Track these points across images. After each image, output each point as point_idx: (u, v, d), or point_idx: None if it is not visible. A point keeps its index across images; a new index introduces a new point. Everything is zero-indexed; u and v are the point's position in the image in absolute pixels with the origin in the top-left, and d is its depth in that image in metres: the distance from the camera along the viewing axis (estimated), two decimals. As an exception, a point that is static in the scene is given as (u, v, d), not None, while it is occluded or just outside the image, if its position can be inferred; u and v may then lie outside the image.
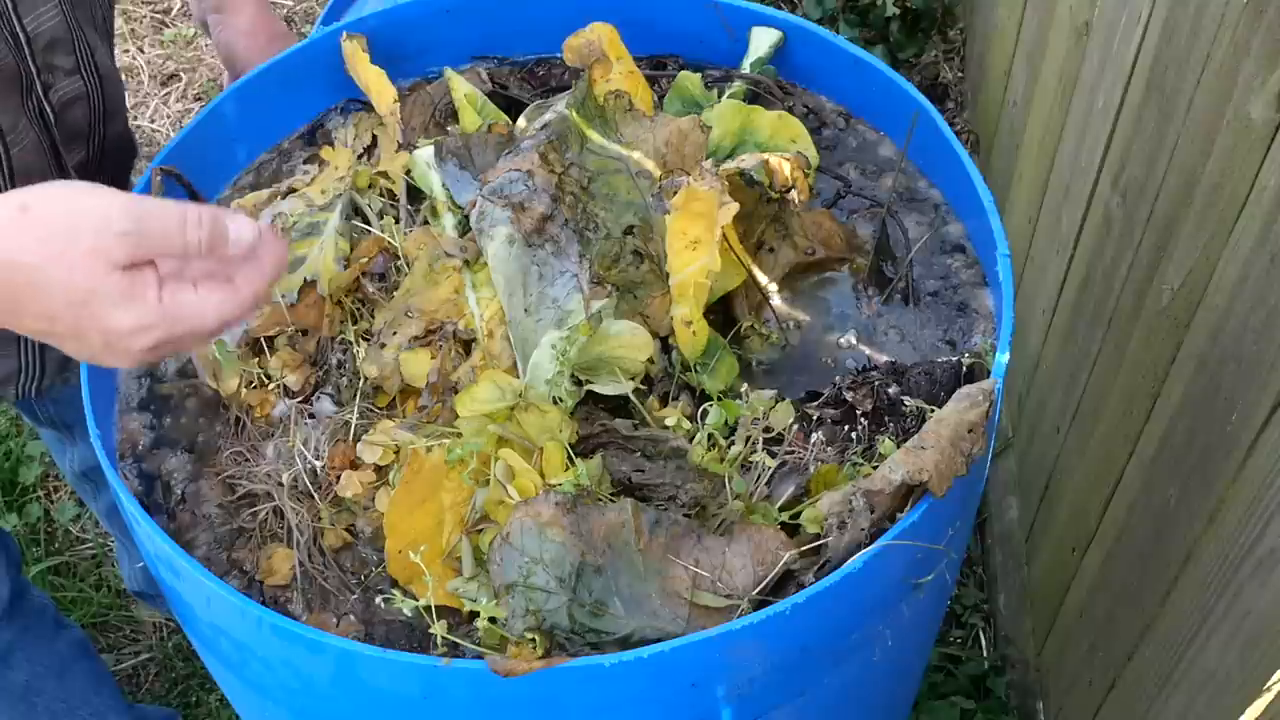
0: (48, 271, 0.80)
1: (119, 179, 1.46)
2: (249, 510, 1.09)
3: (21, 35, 1.18)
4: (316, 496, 1.08)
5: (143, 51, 3.25)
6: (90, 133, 1.32)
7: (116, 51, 3.19)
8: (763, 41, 1.35)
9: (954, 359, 1.04)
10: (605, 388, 1.03)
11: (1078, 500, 1.65)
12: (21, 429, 2.46)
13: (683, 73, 1.31)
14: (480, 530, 0.99)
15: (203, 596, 0.99)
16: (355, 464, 1.09)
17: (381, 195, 1.25)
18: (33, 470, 2.41)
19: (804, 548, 0.94)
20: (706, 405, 1.04)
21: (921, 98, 1.24)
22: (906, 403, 1.02)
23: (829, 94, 1.37)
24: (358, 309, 1.18)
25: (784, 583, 0.95)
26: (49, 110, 1.25)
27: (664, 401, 1.08)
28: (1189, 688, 1.26)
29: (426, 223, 1.22)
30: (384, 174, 1.26)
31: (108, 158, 1.37)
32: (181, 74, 3.19)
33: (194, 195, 1.28)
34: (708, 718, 0.97)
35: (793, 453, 1.02)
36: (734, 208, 1.03)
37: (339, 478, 1.08)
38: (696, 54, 1.40)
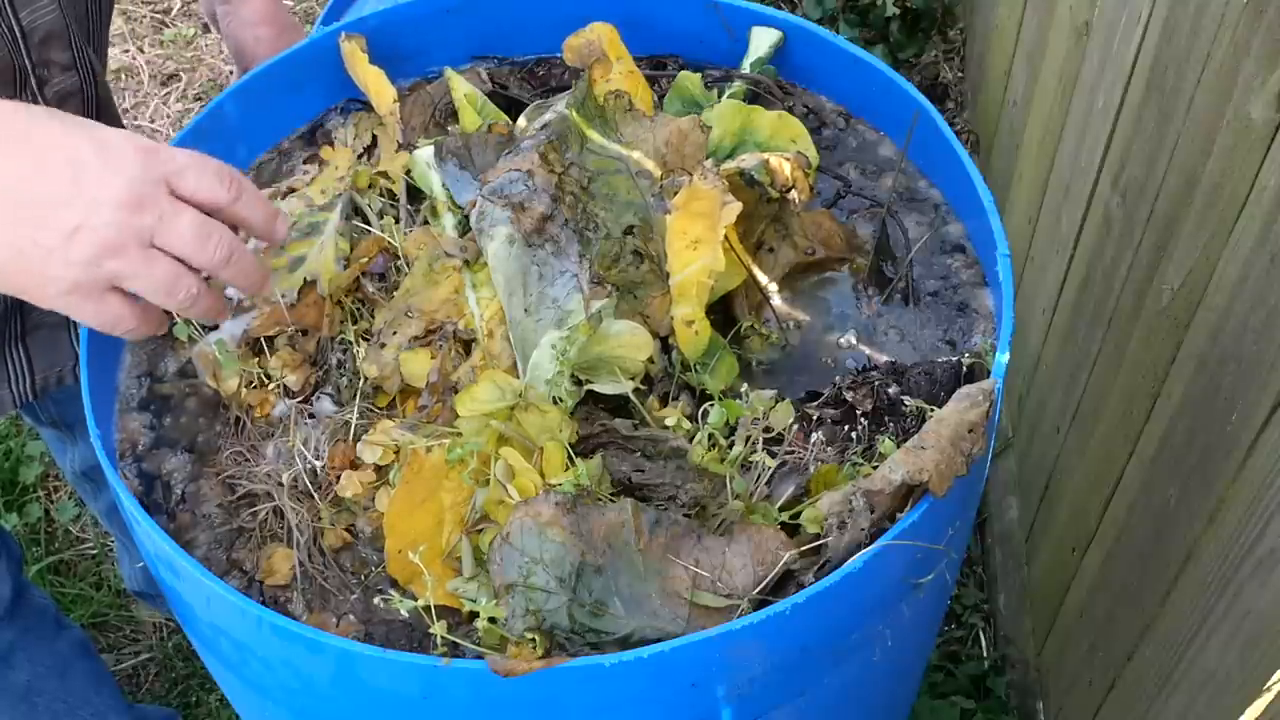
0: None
1: None
2: (249, 510, 1.09)
3: (17, 29, 1.18)
4: (316, 496, 1.08)
5: (143, 51, 3.25)
6: None
7: (116, 51, 3.20)
8: (763, 41, 1.35)
9: (954, 359, 1.04)
10: (605, 388, 1.03)
11: (1078, 500, 1.65)
12: (21, 429, 2.46)
13: (683, 73, 1.31)
14: (480, 530, 0.99)
15: (203, 596, 0.99)
16: (355, 464, 1.09)
17: (381, 195, 1.25)
18: (33, 470, 2.41)
19: (804, 548, 0.94)
20: (706, 405, 1.04)
21: (921, 98, 1.24)
22: (906, 403, 1.02)
23: (829, 94, 1.37)
24: (358, 309, 1.18)
25: (784, 583, 0.95)
26: (43, 104, 1.25)
27: (664, 401, 1.08)
28: (1189, 688, 1.26)
29: (426, 223, 1.22)
30: (384, 174, 1.26)
31: None
32: (181, 74, 3.19)
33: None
34: (708, 718, 0.98)
35: (793, 453, 1.02)
36: (737, 207, 1.03)
37: (339, 478, 1.08)
38: (696, 54, 1.40)
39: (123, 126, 1.46)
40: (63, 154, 0.80)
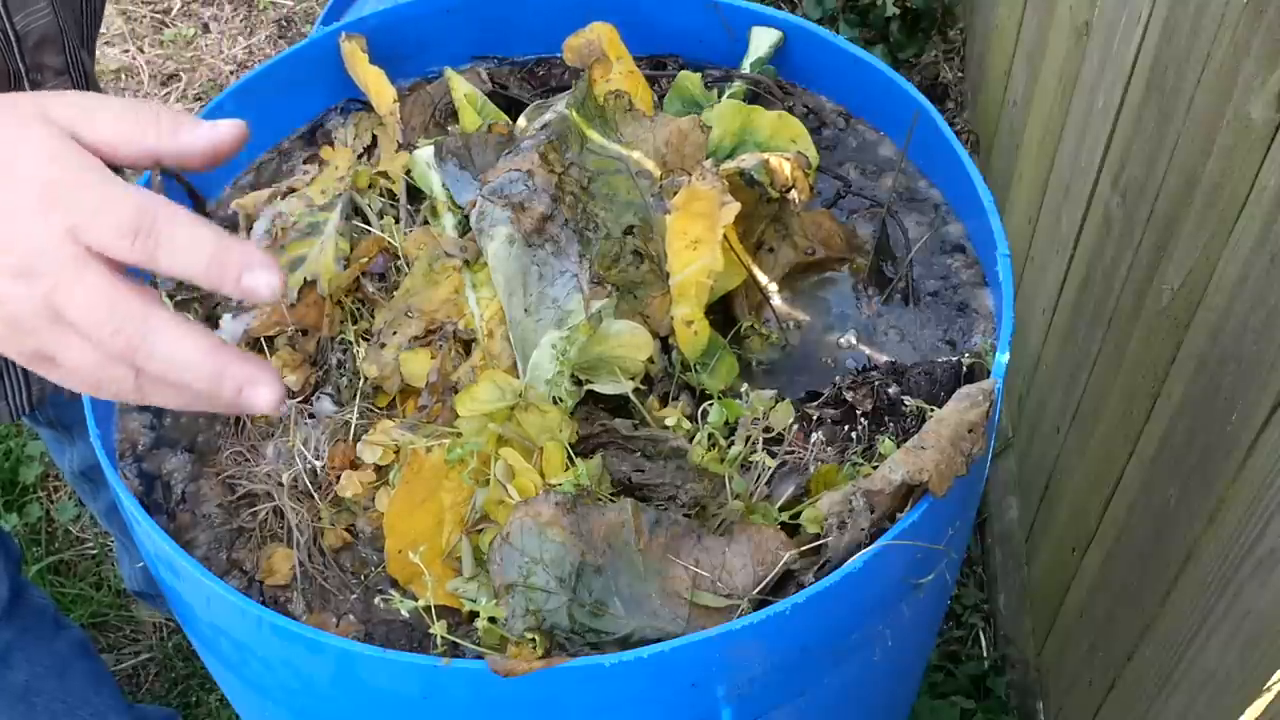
0: None
1: None
2: (249, 510, 1.09)
3: (11, 33, 1.18)
4: (316, 496, 1.08)
5: (143, 51, 3.25)
6: None
7: (116, 51, 3.20)
8: (763, 41, 1.35)
9: (954, 359, 1.04)
10: (605, 388, 1.03)
11: (1078, 500, 1.65)
12: (21, 429, 2.46)
13: (683, 73, 1.31)
14: (480, 530, 0.99)
15: (203, 596, 0.99)
16: (355, 464, 1.09)
17: (381, 195, 1.25)
18: (33, 470, 2.41)
19: (804, 548, 0.94)
20: (706, 405, 1.04)
21: (921, 98, 1.24)
22: (906, 403, 1.02)
23: (829, 94, 1.37)
24: (358, 309, 1.18)
25: (784, 583, 0.95)
26: None
27: (664, 401, 1.08)
28: (1189, 688, 1.26)
29: (426, 223, 1.22)
30: (384, 174, 1.26)
31: None
32: (181, 74, 3.19)
33: (194, 195, 1.28)
34: (708, 718, 0.97)
35: (793, 453, 1.02)
36: (736, 207, 1.03)
37: (339, 478, 1.08)
38: (696, 54, 1.40)
39: None
40: None
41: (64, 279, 0.64)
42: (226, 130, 0.70)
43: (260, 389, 0.67)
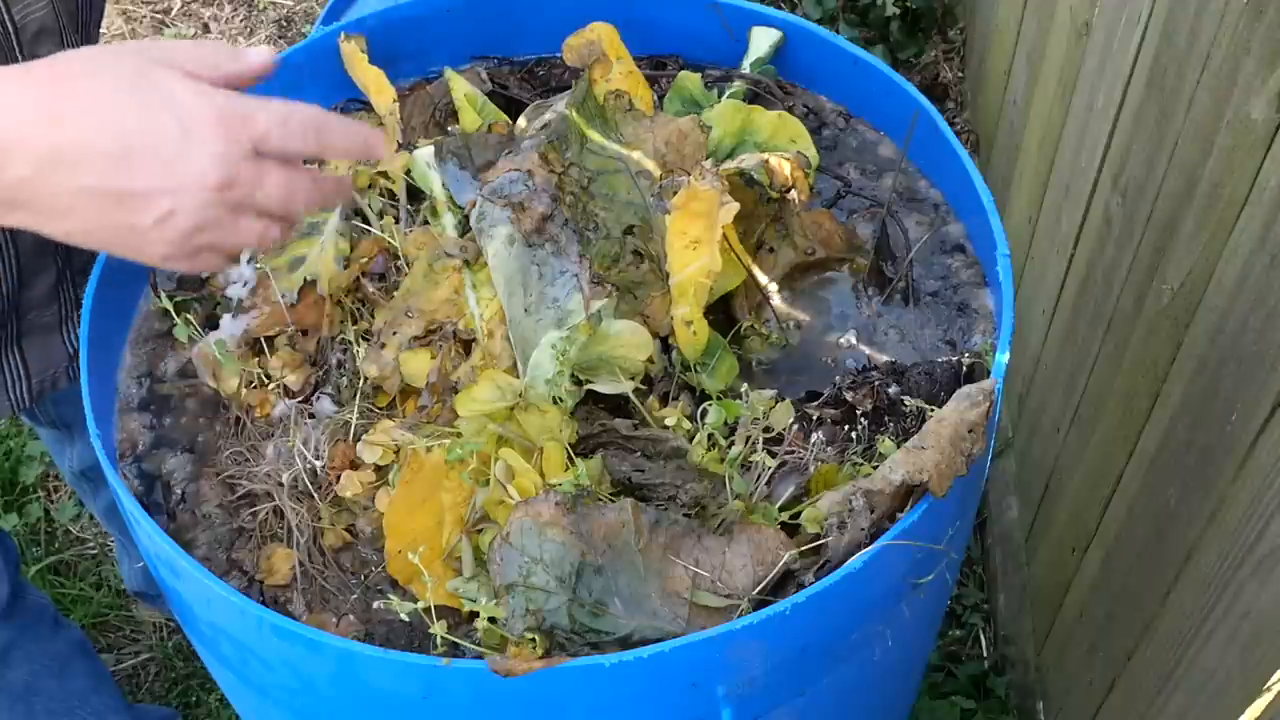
0: (103, 78, 0.81)
1: None
2: (249, 510, 1.09)
3: (10, 25, 1.17)
4: (316, 496, 1.08)
5: (143, 51, 3.24)
6: None
7: (116, 51, 3.20)
8: (763, 41, 1.35)
9: (954, 359, 1.04)
10: (605, 388, 1.03)
11: (1078, 500, 1.65)
12: (21, 429, 2.46)
13: (683, 73, 1.31)
14: (480, 530, 0.99)
15: (203, 596, 0.99)
16: (355, 464, 1.09)
17: (381, 195, 1.25)
18: (33, 470, 2.41)
19: (804, 548, 0.94)
20: (706, 405, 1.04)
21: (921, 98, 1.24)
22: (906, 403, 1.02)
23: (829, 94, 1.37)
24: (358, 309, 1.18)
25: (784, 583, 0.95)
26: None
27: (664, 401, 1.08)
28: (1189, 688, 1.26)
29: (426, 223, 1.22)
30: (384, 174, 1.26)
31: None
32: (181, 74, 3.19)
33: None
34: (708, 718, 0.97)
35: (793, 453, 1.02)
36: (734, 207, 1.03)
37: (339, 478, 1.08)
38: (696, 54, 1.40)
39: None
40: (147, 139, 0.81)
41: (256, 182, 0.84)
42: (262, 56, 0.91)
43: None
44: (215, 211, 0.84)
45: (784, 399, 1.06)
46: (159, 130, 0.81)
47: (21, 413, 1.65)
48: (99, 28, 1.36)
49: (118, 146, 0.80)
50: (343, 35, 1.33)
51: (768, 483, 1.01)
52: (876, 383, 1.04)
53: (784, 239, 1.19)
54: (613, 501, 0.95)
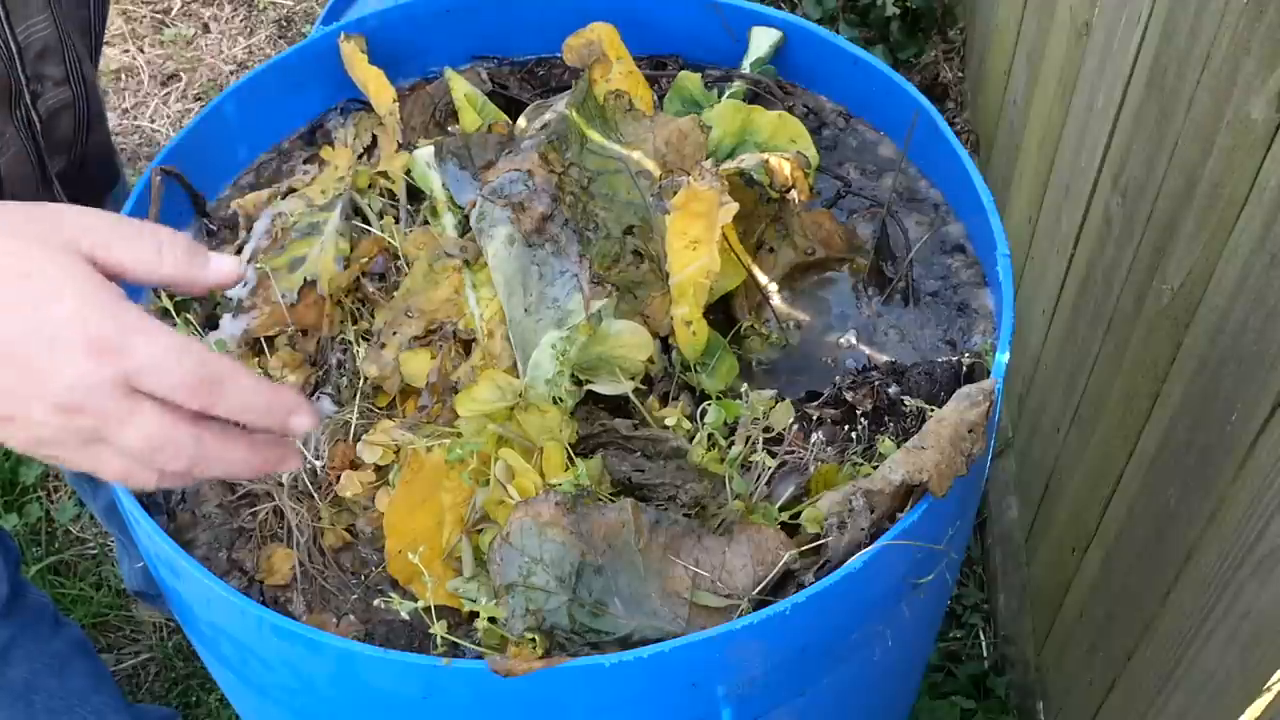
0: (11, 243, 0.71)
1: (100, 185, 1.46)
2: (249, 510, 1.09)
3: (13, 45, 1.18)
4: (316, 496, 1.08)
5: (143, 51, 3.25)
6: (74, 141, 1.32)
7: (116, 51, 3.20)
8: (763, 41, 1.35)
9: (954, 359, 1.04)
10: (605, 388, 1.03)
11: (1078, 500, 1.65)
12: (21, 429, 2.46)
13: (683, 73, 1.31)
14: (480, 530, 0.99)
15: (203, 596, 0.99)
16: (355, 464, 1.09)
17: (381, 195, 1.25)
18: (33, 470, 2.41)
19: (804, 548, 0.94)
20: (706, 405, 1.04)
21: (921, 98, 1.24)
22: (906, 403, 1.02)
23: (829, 94, 1.37)
24: (358, 309, 1.18)
25: (784, 583, 0.95)
26: (36, 119, 1.25)
27: (664, 401, 1.08)
28: (1189, 688, 1.26)
29: (426, 223, 1.22)
30: (384, 174, 1.26)
31: (89, 165, 1.37)
32: (181, 74, 3.19)
33: (194, 195, 1.28)
34: (708, 718, 0.98)
35: (793, 453, 1.02)
36: (734, 208, 1.03)
37: (339, 478, 1.08)
38: (696, 54, 1.40)
39: (111, 139, 1.47)
40: (13, 340, 0.71)
41: (113, 418, 0.71)
42: (231, 269, 0.79)
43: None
44: (58, 435, 0.73)
45: (784, 399, 1.06)
46: (29, 335, 0.71)
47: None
48: (99, 45, 1.36)
49: None
50: (343, 35, 1.33)
51: (768, 483, 1.01)
52: (876, 383, 1.04)
53: (784, 239, 1.19)
54: (613, 501, 0.95)
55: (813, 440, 1.02)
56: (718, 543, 0.95)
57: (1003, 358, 1.04)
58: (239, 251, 1.22)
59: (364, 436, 1.08)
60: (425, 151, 1.22)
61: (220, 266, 0.79)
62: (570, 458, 0.99)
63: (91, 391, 0.71)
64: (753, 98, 1.33)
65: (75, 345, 0.70)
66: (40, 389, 0.71)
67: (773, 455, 1.01)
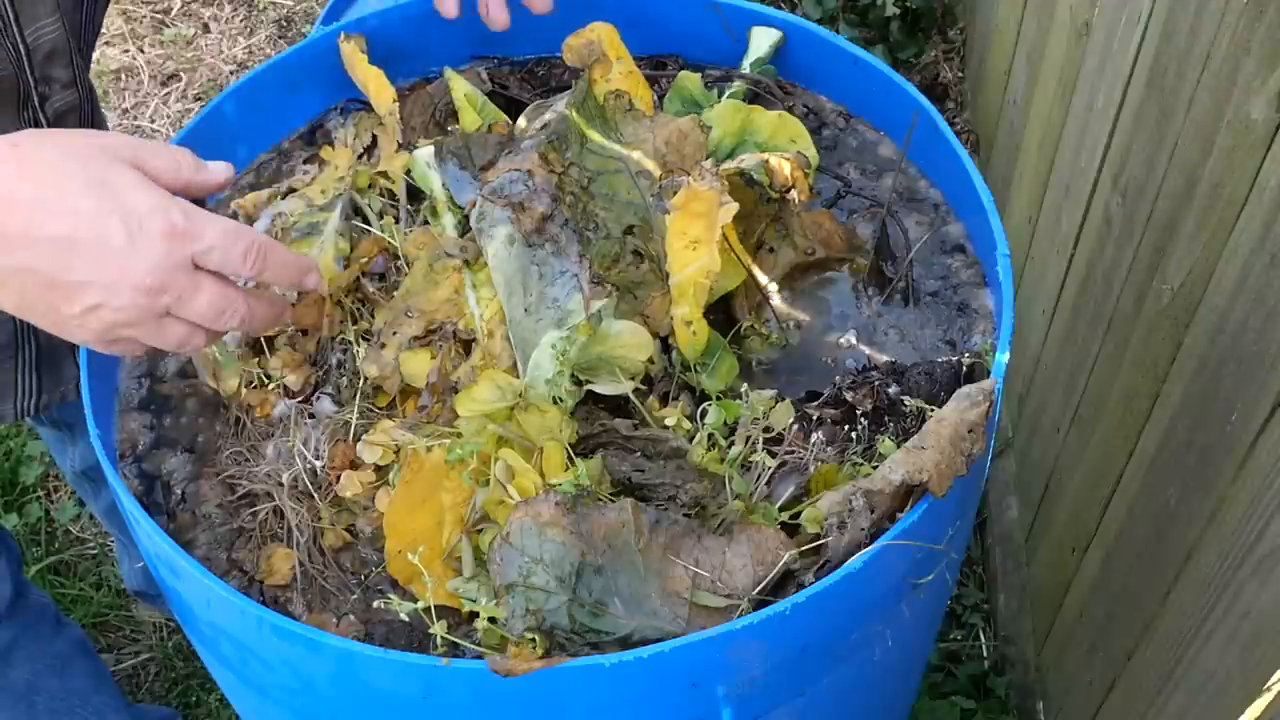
0: (64, 166, 0.83)
1: None
2: (249, 510, 1.09)
3: (22, 47, 1.18)
4: (316, 496, 1.08)
5: (143, 51, 3.25)
6: None
7: (116, 51, 3.20)
8: (763, 41, 1.35)
9: (954, 359, 1.04)
10: (605, 388, 1.03)
11: (1078, 500, 1.65)
12: (21, 429, 2.46)
13: (683, 73, 1.31)
14: (480, 530, 0.99)
15: (203, 596, 0.99)
16: (355, 464, 1.09)
17: (381, 195, 1.25)
18: (33, 470, 2.41)
19: (804, 548, 0.94)
20: (706, 405, 1.04)
21: (921, 98, 1.24)
22: (906, 403, 1.02)
23: (829, 94, 1.37)
24: (358, 309, 1.18)
25: (784, 583, 0.95)
26: (43, 121, 1.25)
27: (664, 401, 1.08)
28: (1189, 688, 1.26)
29: (426, 223, 1.22)
30: (384, 174, 1.26)
31: None
32: (181, 74, 3.19)
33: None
34: (708, 718, 0.98)
35: (793, 453, 1.02)
36: (734, 208, 1.03)
37: (339, 478, 1.08)
38: (696, 54, 1.40)
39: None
40: (92, 235, 0.84)
41: (187, 292, 0.88)
42: (224, 169, 0.97)
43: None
44: (141, 314, 0.87)
45: (784, 399, 1.06)
46: (106, 230, 0.84)
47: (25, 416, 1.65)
48: (94, 45, 1.37)
49: (63, 237, 0.83)
50: (343, 35, 1.33)
51: (768, 483, 1.01)
52: (876, 383, 1.04)
53: (784, 239, 1.19)
54: (613, 501, 0.95)
55: (813, 440, 1.02)
56: (718, 543, 0.95)
57: (1003, 358, 1.04)
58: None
59: (364, 436, 1.08)
60: (425, 151, 1.22)
61: (217, 168, 0.95)
62: (570, 458, 0.99)
63: (173, 274, 0.86)
64: (753, 98, 1.33)
65: (154, 233, 0.85)
66: (124, 274, 0.84)
67: (773, 455, 1.01)
